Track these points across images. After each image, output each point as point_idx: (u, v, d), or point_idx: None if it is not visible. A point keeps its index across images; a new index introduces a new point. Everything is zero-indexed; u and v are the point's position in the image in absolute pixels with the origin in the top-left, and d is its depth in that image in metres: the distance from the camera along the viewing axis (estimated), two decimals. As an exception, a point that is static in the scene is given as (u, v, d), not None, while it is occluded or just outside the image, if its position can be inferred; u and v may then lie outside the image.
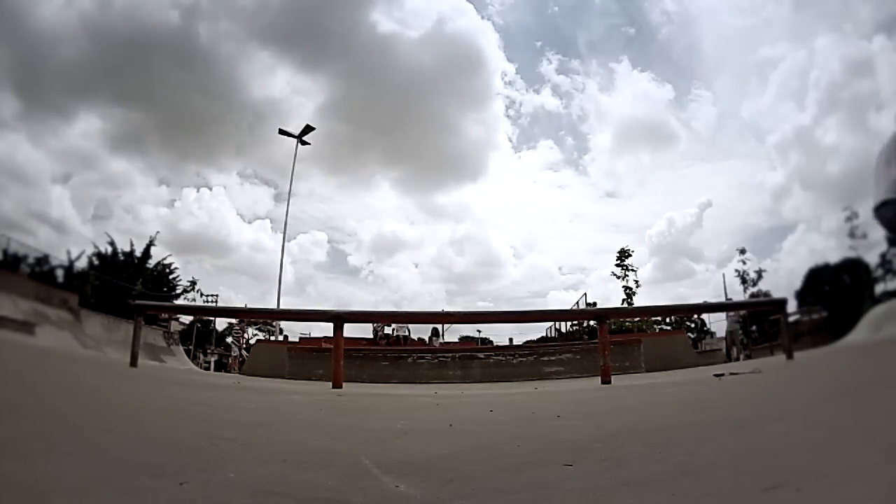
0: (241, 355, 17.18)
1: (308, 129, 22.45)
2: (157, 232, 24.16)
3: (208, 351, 21.53)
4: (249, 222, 45.09)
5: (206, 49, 34.96)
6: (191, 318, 21.79)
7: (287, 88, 40.00)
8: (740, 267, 24.81)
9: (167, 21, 34.20)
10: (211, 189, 40.26)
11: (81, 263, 19.06)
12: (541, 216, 52.99)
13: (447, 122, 40.49)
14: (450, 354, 11.30)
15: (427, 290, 41.77)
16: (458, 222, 47.63)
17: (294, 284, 40.65)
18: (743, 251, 25.72)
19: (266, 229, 42.05)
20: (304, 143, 22.42)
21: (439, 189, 53.03)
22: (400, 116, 39.49)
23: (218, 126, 36.62)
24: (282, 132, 22.59)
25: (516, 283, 44.91)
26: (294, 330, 25.45)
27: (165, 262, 22.71)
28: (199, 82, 34.33)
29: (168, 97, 33.91)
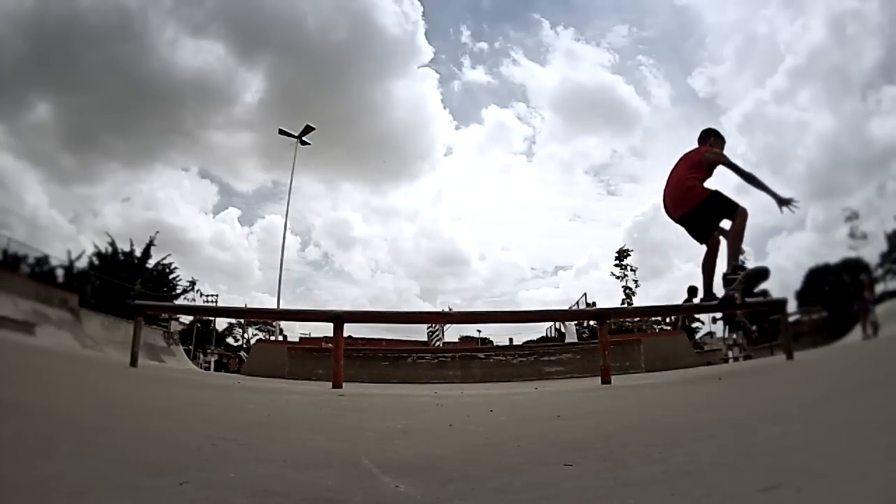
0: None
1: (308, 129, 22.45)
2: (157, 232, 24.11)
3: (208, 351, 21.56)
4: (214, 216, 43.90)
5: (140, 37, 34.22)
6: (191, 318, 21.79)
7: (225, 81, 39.15)
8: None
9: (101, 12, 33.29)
10: (158, 186, 39.47)
11: (81, 263, 19.08)
12: (503, 210, 52.80)
13: (382, 114, 39.73)
14: (450, 354, 11.30)
15: (392, 286, 41.62)
16: (411, 220, 47.25)
17: (263, 282, 40.17)
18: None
19: (230, 224, 41.37)
20: (303, 143, 22.42)
21: (390, 185, 52.36)
22: (327, 103, 38.51)
23: (157, 122, 36.10)
24: (281, 132, 22.57)
25: (486, 279, 44.80)
26: (294, 330, 25.44)
27: (165, 261, 22.73)
28: (130, 73, 33.39)
29: (97, 86, 33.24)
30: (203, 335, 24.54)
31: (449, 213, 47.91)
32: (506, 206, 55.60)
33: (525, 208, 54.95)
